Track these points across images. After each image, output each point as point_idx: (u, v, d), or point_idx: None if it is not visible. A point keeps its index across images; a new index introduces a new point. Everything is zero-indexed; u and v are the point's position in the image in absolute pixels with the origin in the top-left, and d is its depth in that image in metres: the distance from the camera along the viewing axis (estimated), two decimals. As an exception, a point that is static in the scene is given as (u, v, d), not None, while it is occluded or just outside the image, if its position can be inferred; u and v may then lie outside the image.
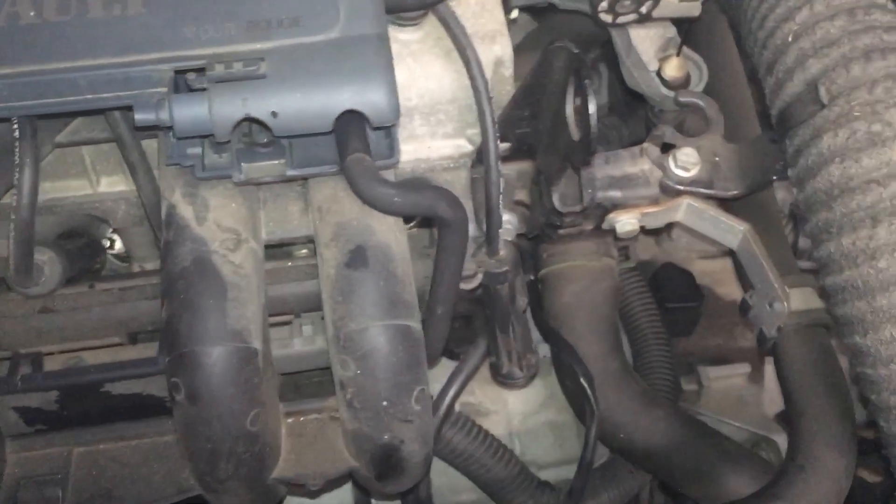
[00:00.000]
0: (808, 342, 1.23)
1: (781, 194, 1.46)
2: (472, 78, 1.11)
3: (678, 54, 1.32)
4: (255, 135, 1.01)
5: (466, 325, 1.54)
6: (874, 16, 1.05)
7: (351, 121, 0.97)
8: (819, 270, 1.09)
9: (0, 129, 0.99)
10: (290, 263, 1.13)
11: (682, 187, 1.24)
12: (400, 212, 1.03)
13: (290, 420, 1.06)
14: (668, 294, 1.63)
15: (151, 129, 0.99)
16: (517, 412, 1.55)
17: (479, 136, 1.12)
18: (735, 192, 1.24)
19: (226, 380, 0.94)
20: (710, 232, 1.28)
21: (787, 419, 1.28)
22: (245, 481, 1.00)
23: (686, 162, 1.23)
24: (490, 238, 1.19)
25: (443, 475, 1.48)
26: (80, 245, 1.22)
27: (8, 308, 1.11)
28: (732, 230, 1.26)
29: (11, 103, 0.93)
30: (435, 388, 1.30)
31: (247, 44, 0.96)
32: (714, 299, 1.69)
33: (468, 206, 1.22)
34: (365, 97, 0.96)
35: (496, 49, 1.16)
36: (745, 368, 1.60)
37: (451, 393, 1.31)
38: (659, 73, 1.32)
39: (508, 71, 1.18)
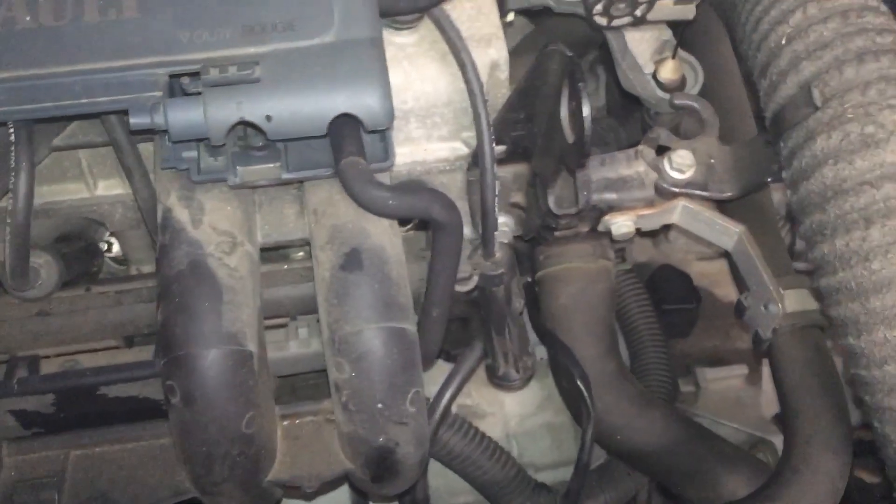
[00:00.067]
0: (804, 343, 1.23)
1: (778, 196, 1.46)
2: (467, 81, 1.11)
3: (674, 57, 1.32)
4: (250, 138, 1.01)
5: (463, 327, 1.54)
6: (867, 18, 1.05)
7: (345, 124, 0.97)
8: (813, 272, 1.09)
9: (-4, 134, 1.00)
10: (286, 266, 1.14)
11: (677, 189, 1.24)
12: (394, 214, 1.03)
13: (285, 422, 1.06)
14: (665, 295, 1.63)
15: (147, 133, 1.00)
16: (514, 414, 1.55)
17: (475, 138, 1.13)
18: (730, 194, 1.24)
19: (221, 382, 0.95)
20: (705, 234, 1.28)
21: (782, 420, 1.28)
22: (240, 484, 1.00)
23: (681, 164, 1.23)
24: (486, 240, 1.20)
25: (440, 477, 1.48)
26: (78, 248, 1.23)
27: (5, 311, 1.12)
28: (728, 232, 1.26)
29: (7, 108, 0.94)
30: (431, 390, 1.30)
31: (241, 48, 0.97)
32: (711, 301, 1.69)
33: (464, 209, 1.22)
34: (359, 101, 0.96)
35: (491, 52, 1.16)
36: (742, 370, 1.60)
37: (448, 395, 1.32)
38: (654, 76, 1.32)
39: (504, 74, 1.18)
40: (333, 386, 1.00)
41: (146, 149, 1.10)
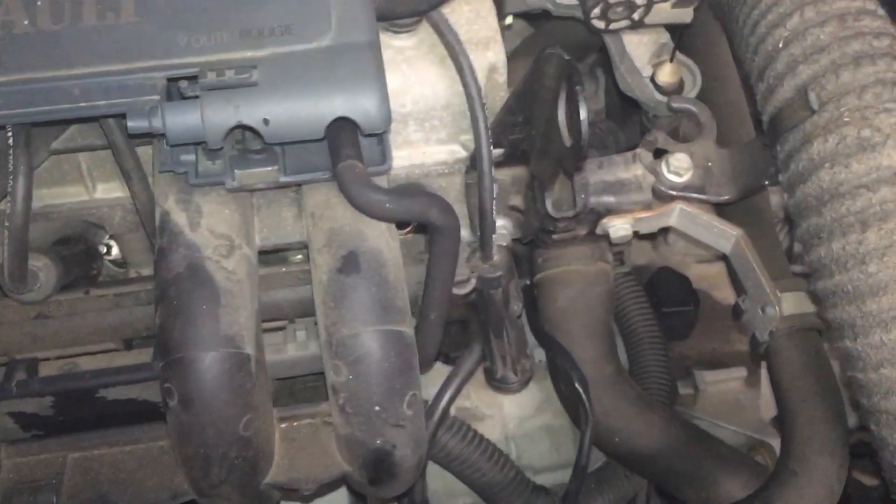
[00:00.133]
0: (801, 346, 1.23)
1: (776, 199, 1.47)
2: (465, 84, 1.12)
3: (672, 60, 1.32)
4: (248, 142, 1.02)
5: (462, 329, 1.55)
6: (864, 22, 1.05)
7: (343, 128, 0.97)
8: (810, 275, 1.09)
9: (-5, 137, 1.00)
10: (283, 269, 1.14)
11: (674, 192, 1.24)
12: (391, 218, 1.03)
13: (283, 425, 1.06)
14: (664, 298, 1.63)
15: (145, 137, 1.00)
16: (513, 416, 1.55)
17: (473, 141, 1.13)
18: (727, 197, 1.24)
19: (218, 385, 0.95)
20: (703, 237, 1.28)
21: (779, 423, 1.28)
22: (238, 486, 1.00)
23: (678, 167, 1.23)
24: (484, 243, 1.20)
25: (439, 479, 1.49)
26: (77, 251, 1.23)
27: (3, 314, 1.12)
28: (725, 235, 1.26)
29: (5, 111, 0.94)
30: (430, 392, 1.31)
31: (239, 52, 0.97)
32: (710, 303, 1.69)
33: (462, 212, 1.22)
34: (356, 104, 0.96)
35: (490, 55, 1.16)
36: (741, 372, 1.60)
37: (447, 397, 1.32)
38: (652, 79, 1.33)
39: (502, 77, 1.18)
40: (331, 388, 1.01)
41: (145, 152, 1.10)
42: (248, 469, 1.00)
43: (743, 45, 1.18)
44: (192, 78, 0.96)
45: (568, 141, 1.14)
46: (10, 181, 0.99)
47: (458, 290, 1.27)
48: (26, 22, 0.97)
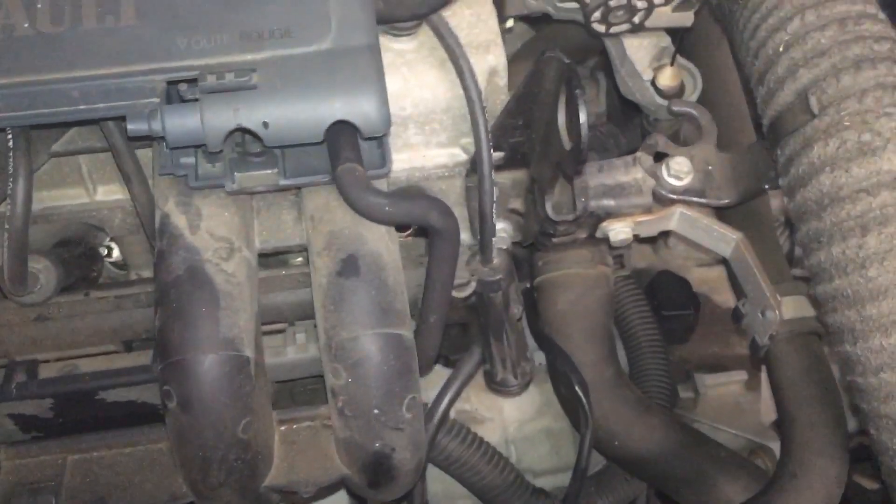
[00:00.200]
0: (801, 350, 1.23)
1: (777, 202, 1.46)
2: (465, 87, 1.12)
3: (672, 63, 1.32)
4: (247, 145, 1.02)
5: (462, 332, 1.55)
6: (864, 26, 1.05)
7: (342, 131, 0.97)
8: (810, 279, 1.09)
9: (-5, 140, 1.00)
10: (283, 272, 1.14)
11: (674, 196, 1.24)
12: (391, 221, 1.03)
13: (282, 428, 1.07)
14: (664, 302, 1.63)
15: (145, 139, 1.00)
16: (512, 419, 1.55)
17: (474, 144, 1.13)
18: (727, 201, 1.24)
19: (217, 388, 0.95)
20: (703, 240, 1.28)
21: (779, 426, 1.28)
22: (237, 489, 1.00)
23: (678, 171, 1.23)
24: (484, 246, 1.20)
25: (438, 482, 1.48)
26: (77, 253, 1.23)
27: (3, 316, 1.12)
28: (725, 238, 1.26)
29: (5, 114, 0.94)
30: (430, 395, 1.31)
31: (238, 55, 0.97)
32: (711, 307, 1.69)
33: (462, 215, 1.22)
34: (356, 107, 0.96)
35: (490, 59, 1.16)
36: (741, 376, 1.60)
37: (446, 400, 1.32)
38: (653, 83, 1.33)
39: (502, 80, 1.18)
40: (330, 391, 1.01)
41: (145, 154, 1.10)
42: (247, 472, 1.00)
43: (743, 48, 1.18)
44: (192, 81, 0.96)
45: (568, 144, 1.14)
46: (11, 183, 0.99)
47: (458, 294, 1.27)
48: (26, 24, 0.98)
